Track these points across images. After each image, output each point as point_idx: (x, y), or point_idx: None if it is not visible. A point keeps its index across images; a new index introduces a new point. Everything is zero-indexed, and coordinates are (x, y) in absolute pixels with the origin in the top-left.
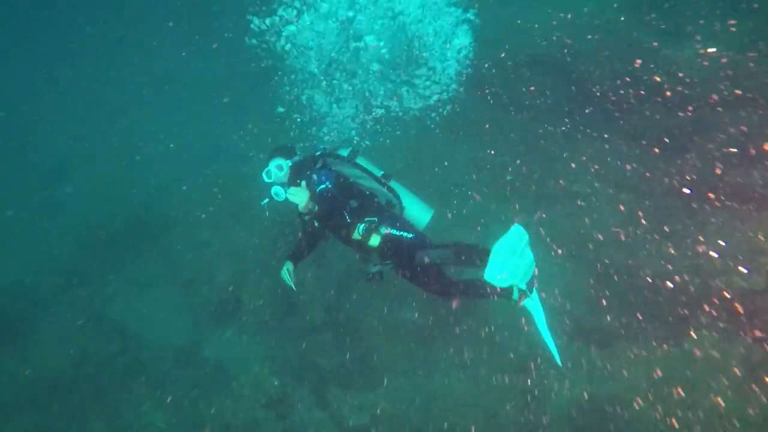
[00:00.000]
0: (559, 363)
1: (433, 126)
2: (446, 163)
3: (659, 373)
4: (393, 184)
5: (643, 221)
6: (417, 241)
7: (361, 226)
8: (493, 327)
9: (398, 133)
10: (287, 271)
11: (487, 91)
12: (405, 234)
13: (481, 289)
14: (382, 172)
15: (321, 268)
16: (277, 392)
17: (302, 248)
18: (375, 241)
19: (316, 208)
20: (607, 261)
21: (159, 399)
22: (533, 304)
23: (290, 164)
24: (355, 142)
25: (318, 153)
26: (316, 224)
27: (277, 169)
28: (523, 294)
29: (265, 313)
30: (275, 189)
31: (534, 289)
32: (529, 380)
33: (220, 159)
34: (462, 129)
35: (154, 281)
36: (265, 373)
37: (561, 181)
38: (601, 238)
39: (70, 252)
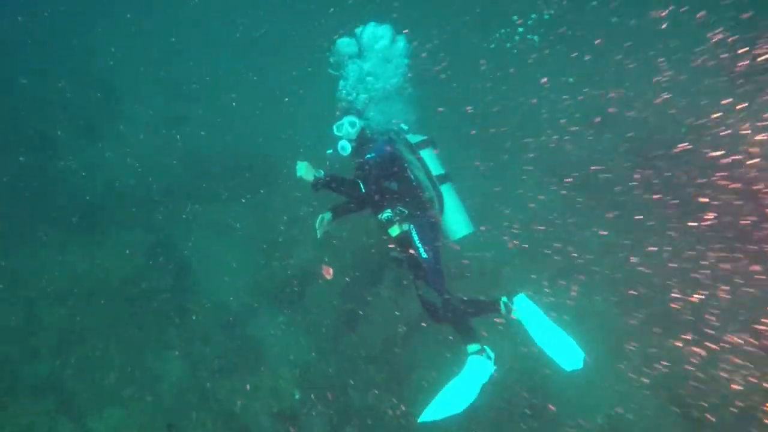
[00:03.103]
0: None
1: None
2: None
3: None
4: (446, 187)
5: None
6: (428, 265)
7: (388, 212)
8: None
9: None
10: (322, 219)
11: None
12: (421, 248)
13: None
14: (442, 172)
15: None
16: (292, 406)
17: (347, 206)
18: (394, 231)
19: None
20: None
21: (182, 353)
22: (525, 310)
23: (363, 125)
24: (430, 136)
25: (389, 126)
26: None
27: (350, 125)
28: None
29: (323, 319)
30: (342, 143)
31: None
32: None
33: None
34: None
35: (234, 231)
36: (290, 380)
37: None
38: None
39: (175, 168)
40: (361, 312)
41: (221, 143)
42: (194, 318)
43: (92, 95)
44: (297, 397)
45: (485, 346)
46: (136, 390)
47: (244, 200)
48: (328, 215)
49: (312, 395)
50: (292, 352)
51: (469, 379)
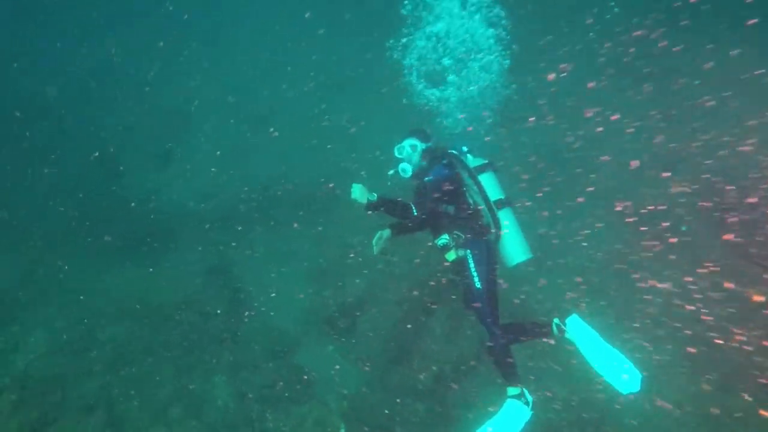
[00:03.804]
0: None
1: None
2: None
3: None
4: (505, 212)
5: None
6: (479, 296)
7: (445, 237)
8: None
9: None
10: (380, 235)
11: None
12: (476, 278)
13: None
14: (502, 197)
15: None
16: None
17: (406, 225)
18: (451, 257)
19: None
20: None
21: (231, 379)
22: (578, 331)
23: (424, 147)
24: (490, 159)
25: (450, 150)
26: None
27: (411, 148)
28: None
29: (374, 351)
30: (403, 165)
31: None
32: None
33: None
34: None
35: (291, 258)
36: (337, 412)
37: None
38: None
39: (236, 194)
40: (412, 346)
41: (284, 171)
42: (245, 344)
43: (162, 120)
44: (342, 430)
45: (525, 390)
46: (182, 412)
47: (302, 227)
48: (387, 232)
49: (358, 430)
50: (340, 384)
51: (504, 422)
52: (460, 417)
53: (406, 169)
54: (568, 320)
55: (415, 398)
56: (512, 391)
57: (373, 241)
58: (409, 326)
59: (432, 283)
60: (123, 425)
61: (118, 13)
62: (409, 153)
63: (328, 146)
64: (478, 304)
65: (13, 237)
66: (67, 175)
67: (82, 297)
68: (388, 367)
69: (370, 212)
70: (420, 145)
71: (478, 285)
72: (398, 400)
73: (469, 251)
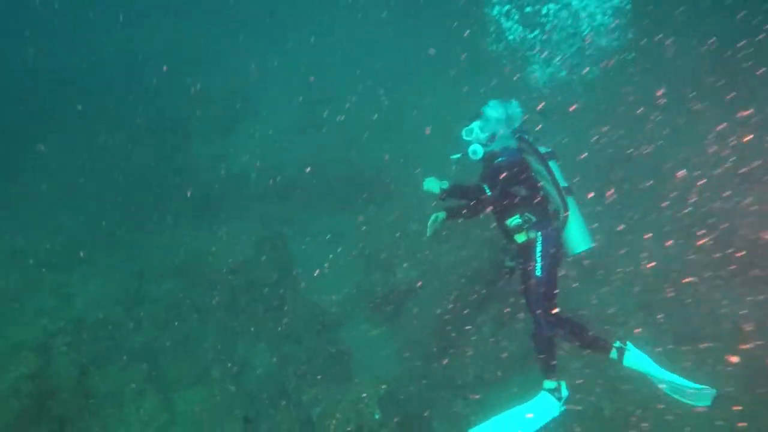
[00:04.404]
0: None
1: None
2: None
3: None
4: (569, 200)
5: None
6: (537, 283)
7: (517, 217)
8: None
9: None
10: (436, 218)
11: None
12: (539, 264)
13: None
14: (566, 185)
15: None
16: (370, 426)
17: (461, 209)
18: (521, 238)
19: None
20: None
21: (273, 349)
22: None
23: (493, 131)
24: (553, 148)
25: (518, 135)
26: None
27: (480, 130)
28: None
29: (418, 340)
30: (474, 147)
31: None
32: None
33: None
34: None
35: (344, 239)
36: (373, 398)
37: None
38: None
39: (298, 170)
40: (457, 339)
41: (346, 153)
42: (290, 317)
43: (233, 93)
44: (377, 417)
45: (563, 384)
46: (222, 375)
47: (358, 210)
48: (442, 215)
49: (394, 419)
50: (380, 369)
51: (532, 412)
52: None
53: (477, 151)
54: (626, 354)
55: (455, 393)
56: (548, 384)
57: (428, 224)
58: (455, 318)
59: (483, 276)
60: (164, 379)
61: None
62: (477, 135)
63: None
64: (533, 292)
65: (81, 194)
66: (138, 137)
67: (137, 252)
68: (429, 357)
69: (443, 199)
70: (489, 128)
71: (538, 272)
72: (437, 394)
73: (539, 233)
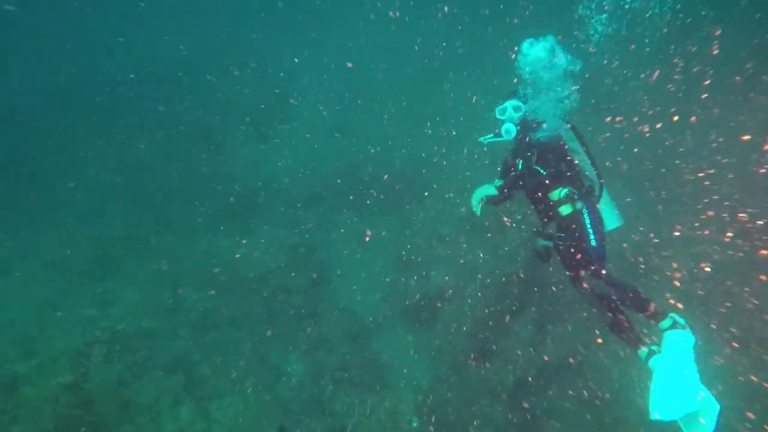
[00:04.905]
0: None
1: None
2: None
3: None
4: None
5: None
6: (594, 254)
7: (565, 190)
8: None
9: None
10: (484, 192)
11: None
12: (591, 234)
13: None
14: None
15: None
16: None
17: (502, 192)
18: (567, 210)
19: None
20: None
21: (308, 357)
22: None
23: (526, 110)
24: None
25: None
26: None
27: (514, 109)
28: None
29: (454, 346)
30: (507, 126)
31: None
32: None
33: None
34: None
35: (378, 244)
36: (410, 406)
37: None
38: None
39: (331, 175)
40: (494, 346)
41: (379, 156)
42: (324, 324)
43: (266, 97)
44: (415, 425)
45: (673, 315)
46: (258, 384)
47: (392, 214)
48: (491, 189)
49: (431, 427)
50: (416, 376)
51: (676, 356)
52: (538, 426)
53: (510, 130)
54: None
55: (493, 400)
56: (665, 323)
57: (474, 201)
58: (492, 324)
59: (520, 280)
60: (199, 389)
61: None
62: (512, 115)
63: (419, 132)
64: (592, 266)
65: (116, 203)
66: (172, 144)
67: (172, 261)
68: (467, 364)
69: (503, 198)
70: (524, 108)
71: (594, 242)
72: (475, 401)
73: (584, 205)
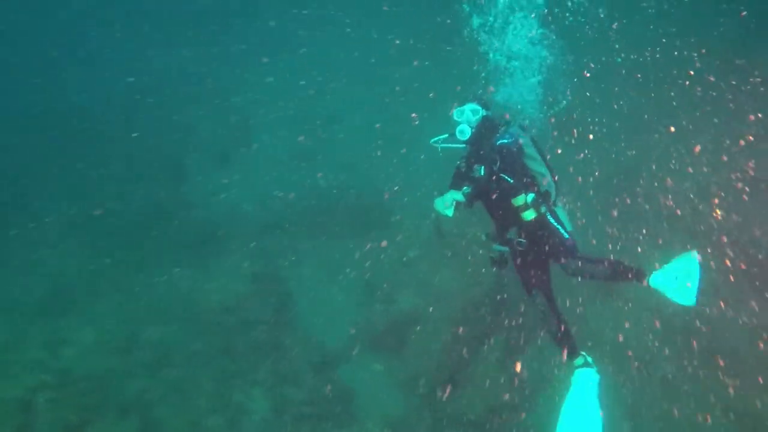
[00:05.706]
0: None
1: None
2: None
3: None
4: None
5: None
6: (569, 244)
7: (531, 195)
8: None
9: None
10: (453, 199)
11: None
12: (561, 229)
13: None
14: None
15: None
16: None
17: (473, 194)
18: (530, 215)
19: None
20: None
21: (271, 392)
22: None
23: (484, 114)
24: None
25: (508, 120)
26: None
27: (472, 113)
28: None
29: (423, 373)
30: (462, 127)
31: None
32: None
33: None
34: None
35: (341, 270)
36: None
37: None
38: None
39: (292, 201)
40: (463, 372)
41: (342, 181)
42: (288, 356)
43: (226, 125)
44: None
45: (585, 354)
46: (219, 422)
47: (356, 238)
48: (459, 195)
49: None
50: (384, 407)
51: (579, 395)
52: None
53: (465, 131)
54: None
55: (466, 429)
56: (578, 361)
57: (445, 203)
58: (460, 348)
59: (488, 301)
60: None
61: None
62: (469, 117)
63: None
64: (573, 252)
65: (72, 233)
66: (131, 173)
67: (130, 295)
68: (436, 391)
69: (470, 206)
70: (481, 111)
71: (566, 235)
72: (446, 430)
73: (548, 211)
